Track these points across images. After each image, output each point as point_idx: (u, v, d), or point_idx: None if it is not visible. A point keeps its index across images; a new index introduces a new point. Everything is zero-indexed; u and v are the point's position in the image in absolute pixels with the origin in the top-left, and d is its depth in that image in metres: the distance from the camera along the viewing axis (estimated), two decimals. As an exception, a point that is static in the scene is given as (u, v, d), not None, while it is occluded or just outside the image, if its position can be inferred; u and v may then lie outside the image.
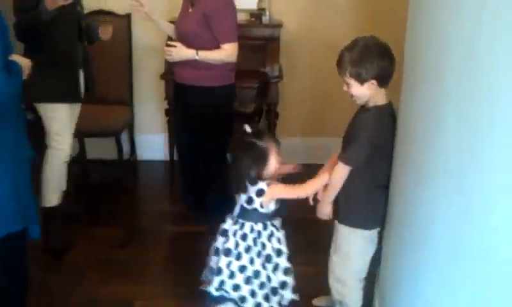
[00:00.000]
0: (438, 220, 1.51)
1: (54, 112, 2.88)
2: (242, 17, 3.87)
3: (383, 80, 1.96)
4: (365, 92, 1.97)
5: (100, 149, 4.05)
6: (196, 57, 2.80)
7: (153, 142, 4.10)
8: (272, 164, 2.11)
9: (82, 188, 3.83)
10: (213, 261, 2.21)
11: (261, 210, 2.12)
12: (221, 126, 3.01)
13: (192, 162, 3.17)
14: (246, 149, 2.11)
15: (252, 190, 2.11)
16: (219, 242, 2.20)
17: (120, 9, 3.83)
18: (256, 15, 3.81)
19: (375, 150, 2.01)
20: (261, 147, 2.10)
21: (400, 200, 1.95)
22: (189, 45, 2.82)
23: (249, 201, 2.12)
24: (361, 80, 1.94)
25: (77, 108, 3.07)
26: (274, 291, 2.14)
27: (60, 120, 2.91)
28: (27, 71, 2.06)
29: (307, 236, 2.86)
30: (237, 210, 2.18)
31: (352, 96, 2.02)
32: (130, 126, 4.04)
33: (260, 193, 2.10)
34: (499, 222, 1.17)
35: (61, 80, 2.85)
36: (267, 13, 3.79)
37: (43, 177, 2.96)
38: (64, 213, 3.22)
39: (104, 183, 3.95)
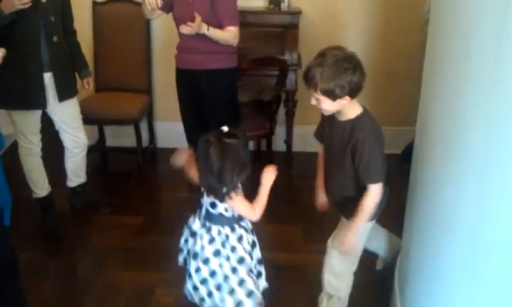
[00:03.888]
0: (459, 215, 1.50)
1: (16, 116, 2.83)
2: (260, 4, 3.85)
3: (355, 94, 1.89)
4: (337, 107, 1.92)
5: (119, 137, 4.09)
6: (206, 32, 2.83)
7: (172, 130, 4.10)
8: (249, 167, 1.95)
9: (102, 176, 3.88)
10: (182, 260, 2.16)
11: (226, 214, 2.00)
12: (229, 111, 3.07)
13: None
14: (229, 153, 1.86)
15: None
16: (190, 242, 2.11)
17: (139, -3, 3.83)
18: (275, 2, 3.78)
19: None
20: (244, 152, 1.92)
21: (422, 196, 1.93)
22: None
23: (213, 205, 2.00)
24: (334, 97, 1.87)
25: (55, 106, 2.89)
26: (249, 294, 2.01)
27: (25, 122, 2.84)
28: None
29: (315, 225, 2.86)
30: (203, 211, 2.05)
31: (321, 109, 1.96)
32: (149, 114, 4.06)
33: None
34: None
35: (23, 85, 2.71)
36: (286, 0, 3.76)
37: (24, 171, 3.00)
38: (84, 201, 3.28)
39: (123, 170, 3.97)
